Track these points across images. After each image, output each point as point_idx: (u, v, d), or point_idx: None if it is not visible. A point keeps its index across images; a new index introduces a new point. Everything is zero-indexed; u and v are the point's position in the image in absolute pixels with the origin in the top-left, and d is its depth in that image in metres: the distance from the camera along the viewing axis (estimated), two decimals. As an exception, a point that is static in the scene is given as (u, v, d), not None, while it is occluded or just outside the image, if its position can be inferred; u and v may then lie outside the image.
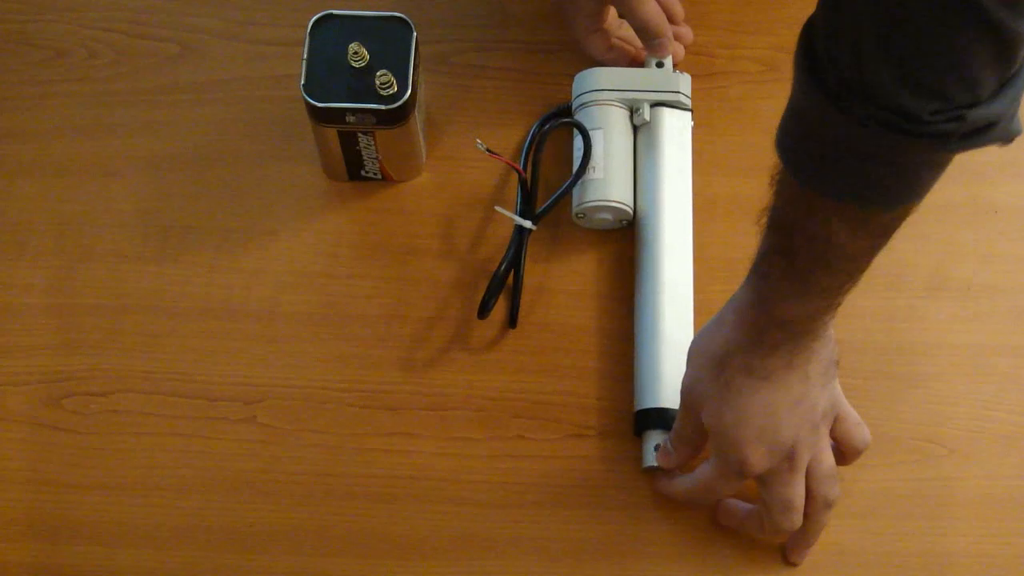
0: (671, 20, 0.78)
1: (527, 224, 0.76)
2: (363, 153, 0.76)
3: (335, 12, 0.74)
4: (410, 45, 0.73)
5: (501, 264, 0.75)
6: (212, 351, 0.76)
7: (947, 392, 0.74)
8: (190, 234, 0.79)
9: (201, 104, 0.82)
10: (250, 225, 0.79)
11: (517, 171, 0.76)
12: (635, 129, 0.78)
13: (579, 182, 0.76)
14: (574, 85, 0.79)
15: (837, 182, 0.58)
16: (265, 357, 0.76)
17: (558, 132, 0.79)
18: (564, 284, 0.77)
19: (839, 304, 0.64)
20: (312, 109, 0.72)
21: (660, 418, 0.72)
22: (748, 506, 0.70)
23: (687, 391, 0.68)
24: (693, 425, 0.68)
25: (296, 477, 0.74)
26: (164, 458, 0.74)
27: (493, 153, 0.76)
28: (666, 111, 0.77)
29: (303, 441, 0.74)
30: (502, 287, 0.75)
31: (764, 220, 0.62)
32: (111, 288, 0.78)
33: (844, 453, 0.70)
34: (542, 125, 0.80)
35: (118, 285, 0.78)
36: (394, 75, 0.72)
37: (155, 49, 0.83)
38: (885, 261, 0.73)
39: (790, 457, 0.67)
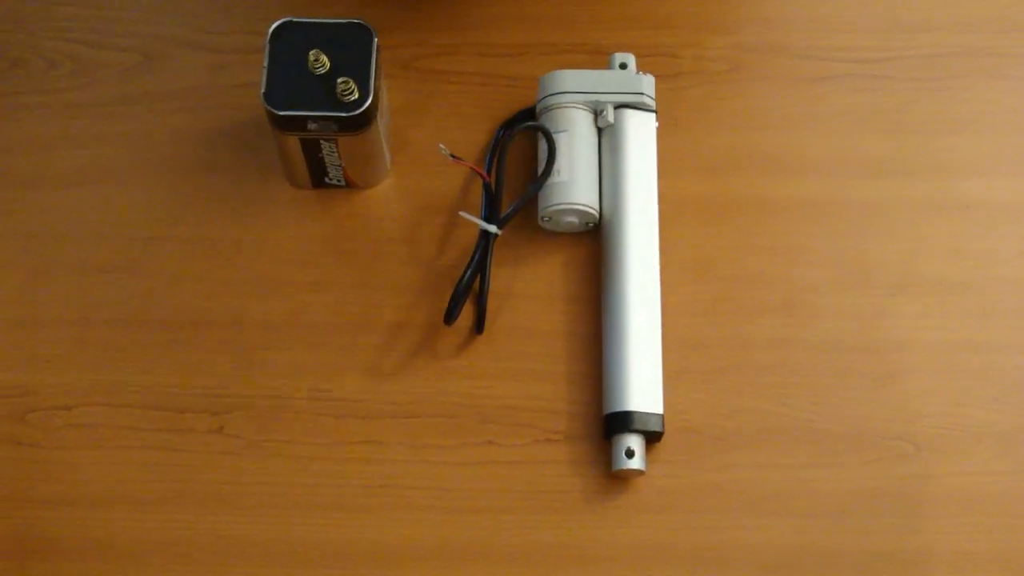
0: None
1: (492, 229, 0.75)
2: (326, 160, 0.76)
3: (295, 20, 0.73)
4: (371, 51, 0.73)
5: (467, 269, 0.75)
6: (178, 362, 0.76)
7: (917, 389, 0.74)
8: (154, 245, 0.78)
9: (164, 114, 0.81)
10: (215, 234, 0.78)
11: (481, 176, 0.76)
12: (600, 131, 0.78)
13: (544, 185, 0.76)
14: (538, 88, 0.78)
15: None
16: (232, 367, 0.76)
17: (523, 136, 0.79)
18: (531, 288, 0.77)
19: None
20: (273, 117, 0.72)
21: (629, 421, 0.72)
22: None
23: None
24: None
25: (265, 488, 0.73)
26: (131, 472, 0.74)
27: (457, 158, 0.76)
28: (630, 112, 0.77)
29: (272, 451, 0.74)
30: (468, 293, 0.75)
31: None
32: (75, 300, 0.77)
33: None
34: (506, 129, 0.79)
35: (82, 297, 0.77)
36: (356, 81, 0.72)
37: (116, 59, 0.82)
38: (852, 258, 0.77)
39: None
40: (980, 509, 0.72)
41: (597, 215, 0.76)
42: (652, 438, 0.73)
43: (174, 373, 0.76)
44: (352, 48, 0.73)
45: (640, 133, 0.77)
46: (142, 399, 0.75)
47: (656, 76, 0.79)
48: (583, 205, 0.75)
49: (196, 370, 0.76)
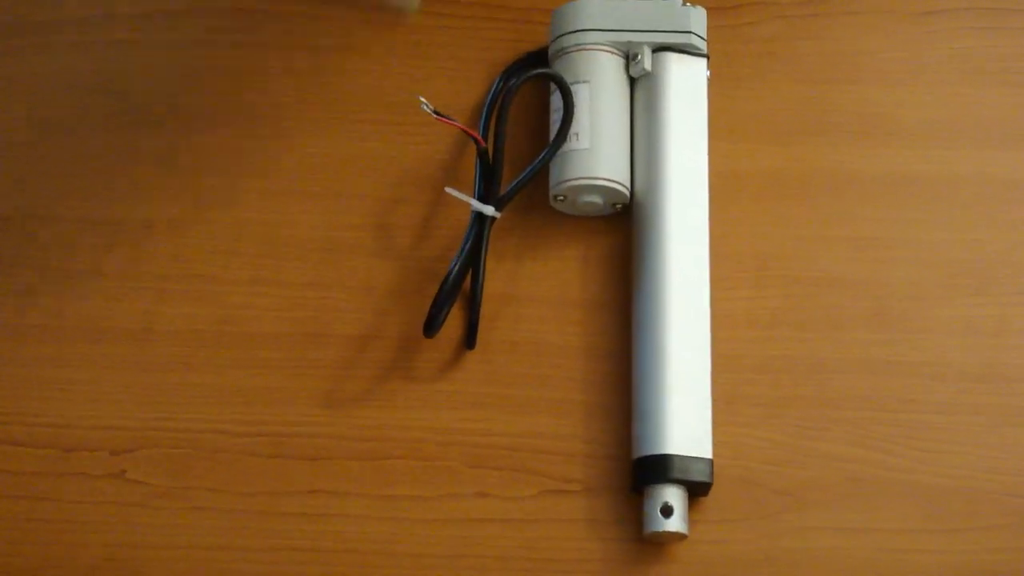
0: None
1: (488, 210, 0.70)
2: None
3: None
4: None
5: (454, 264, 0.70)
6: (66, 384, 0.70)
7: None
8: (31, 224, 0.73)
9: (45, 51, 0.76)
10: (113, 214, 0.73)
11: (475, 140, 0.71)
12: (632, 82, 0.73)
13: (558, 154, 0.71)
14: (551, 23, 0.73)
15: None
16: (137, 391, 0.70)
17: (530, 87, 0.74)
18: (539, 290, 0.72)
19: None
20: None
21: (667, 468, 0.66)
22: None
23: None
24: None
25: (181, 552, 0.67)
26: (2, 529, 0.67)
27: (443, 116, 0.70)
28: (673, 57, 0.72)
29: (190, 503, 0.68)
30: (456, 295, 0.70)
31: None
32: None
33: None
34: (508, 77, 0.75)
35: None
36: None
37: None
38: (967, 255, 0.71)
39: None
40: None
41: (627, 194, 0.71)
42: (697, 491, 0.67)
43: (60, 398, 0.70)
44: None
45: (686, 85, 0.72)
46: (16, 433, 0.69)
47: (709, 9, 0.74)
48: (608, 180, 0.70)
49: (90, 395, 0.70)
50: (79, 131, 0.76)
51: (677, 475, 0.67)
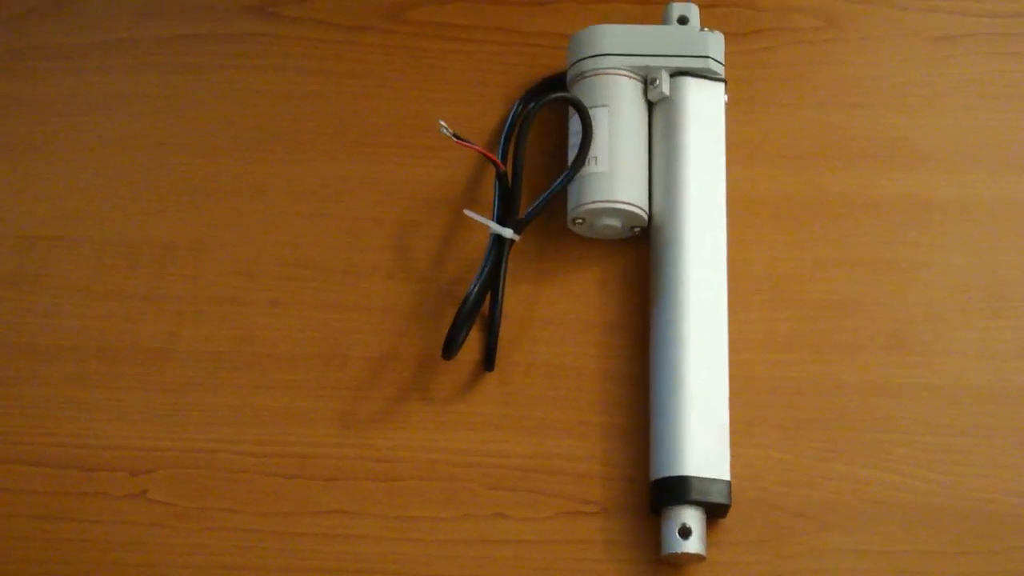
0: None
1: (507, 233, 0.71)
2: None
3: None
4: None
5: (473, 286, 0.70)
6: (87, 404, 0.71)
7: None
8: (56, 248, 0.74)
9: (72, 74, 0.77)
10: (136, 236, 0.74)
11: (494, 163, 0.72)
12: (650, 106, 0.73)
13: (576, 178, 0.71)
14: (569, 48, 0.74)
15: None
16: (158, 412, 0.71)
17: (549, 111, 0.75)
18: (557, 312, 0.72)
19: None
20: None
21: (685, 490, 0.66)
22: None
23: None
24: None
25: (200, 572, 0.67)
26: (26, 548, 0.68)
27: (462, 140, 0.70)
28: (691, 82, 0.72)
29: (209, 523, 0.68)
30: (475, 317, 0.70)
31: None
32: None
33: None
34: (527, 102, 0.75)
35: None
36: None
37: (12, 0, 0.79)
38: (986, 277, 0.71)
39: None
40: None
41: (645, 217, 0.71)
42: (715, 513, 0.67)
43: (82, 419, 0.70)
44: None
45: (704, 109, 0.72)
46: (39, 453, 0.70)
47: (726, 34, 0.74)
48: (627, 204, 0.71)
49: (112, 415, 0.70)
50: (102, 154, 0.76)
51: (695, 497, 0.67)
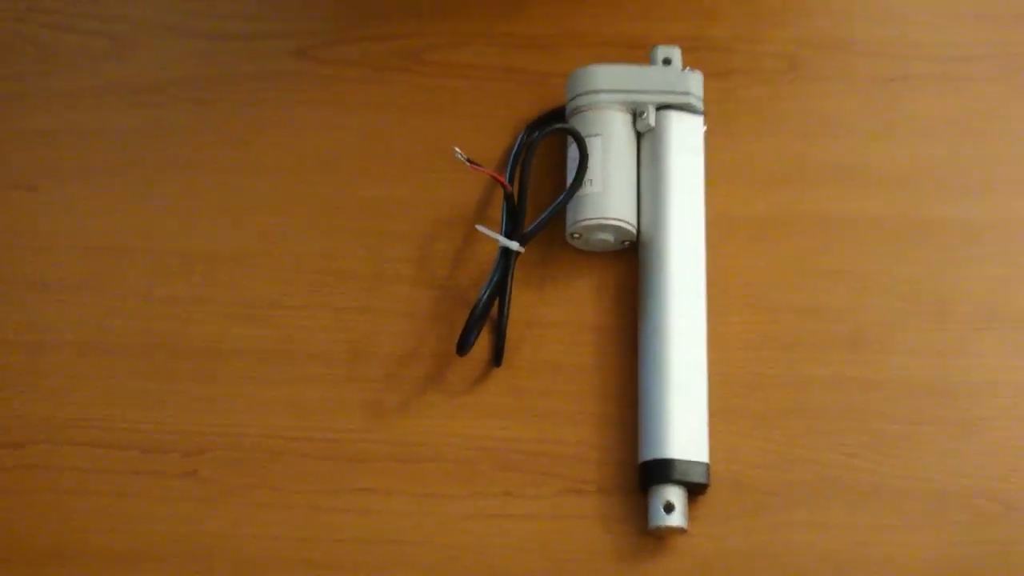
0: None
1: (514, 246, 0.73)
2: None
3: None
4: None
5: (484, 292, 0.73)
6: (146, 394, 0.73)
7: (1006, 440, 0.71)
8: (121, 257, 0.77)
9: (133, 107, 0.80)
10: (191, 247, 0.77)
11: (502, 185, 0.74)
12: (638, 136, 0.76)
13: (574, 197, 0.74)
14: (568, 85, 0.77)
15: None
16: (208, 401, 0.73)
17: (550, 140, 0.77)
18: (557, 315, 0.75)
19: None
20: None
21: (669, 471, 0.69)
22: None
23: None
24: None
25: (245, 542, 0.70)
26: (88, 521, 0.71)
27: (474, 164, 0.73)
28: (674, 114, 0.75)
29: (252, 499, 0.71)
30: (485, 319, 0.73)
31: None
32: (27, 321, 0.76)
33: None
34: (531, 132, 0.78)
35: (36, 317, 0.76)
36: None
37: (82, 44, 0.81)
38: (929, 287, 0.75)
39: None
40: (1080, 581, 0.69)
41: (634, 232, 0.74)
42: (695, 491, 0.70)
43: (141, 407, 0.73)
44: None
45: (686, 138, 0.75)
46: (103, 437, 0.73)
47: (704, 73, 0.77)
48: (618, 220, 0.73)
49: (167, 404, 0.73)
50: (161, 176, 0.78)
51: (678, 477, 0.69)
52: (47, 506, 0.71)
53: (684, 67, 0.77)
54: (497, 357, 0.74)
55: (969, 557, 0.69)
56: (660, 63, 0.77)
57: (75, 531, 0.71)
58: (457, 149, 0.74)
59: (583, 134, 0.74)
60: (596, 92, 0.76)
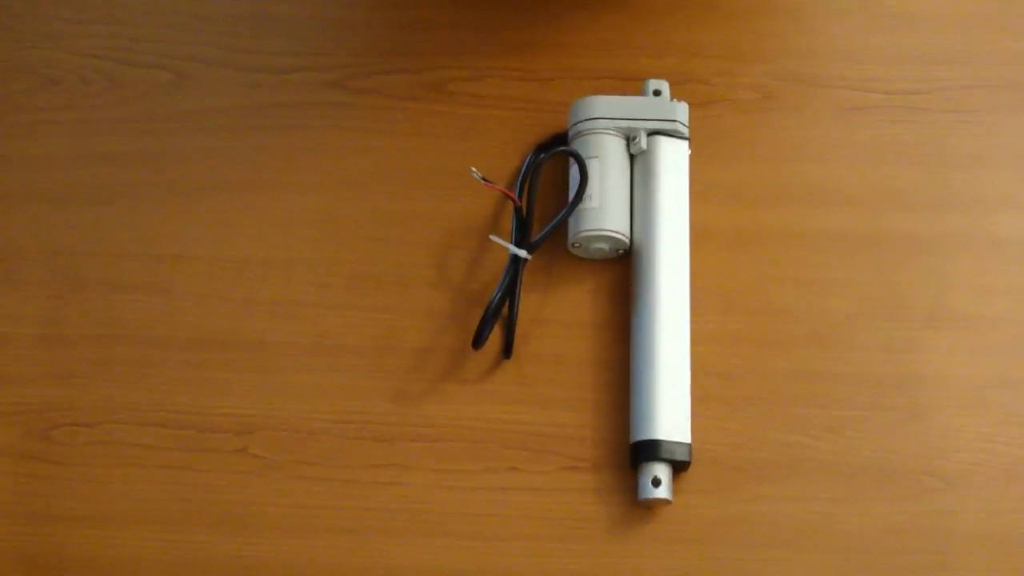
0: None
1: (522, 253, 0.76)
2: None
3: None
4: None
5: (496, 294, 0.75)
6: (202, 381, 0.76)
7: (947, 425, 0.74)
8: (181, 263, 0.79)
9: (194, 132, 0.82)
10: (241, 254, 0.79)
11: (512, 200, 0.76)
12: (632, 158, 0.78)
13: (575, 211, 0.76)
14: (570, 113, 0.79)
15: None
16: (256, 388, 0.76)
17: (554, 161, 0.79)
18: (559, 314, 0.77)
19: None
20: None
21: (656, 450, 0.72)
22: None
23: None
24: None
25: (287, 510, 0.73)
26: (153, 490, 0.74)
27: (488, 182, 0.76)
28: (663, 140, 0.77)
29: (294, 473, 0.74)
30: (497, 317, 0.75)
31: None
32: (101, 318, 0.78)
33: None
34: (538, 153, 0.80)
35: (108, 315, 0.78)
36: None
37: (148, 77, 0.83)
38: (883, 291, 0.77)
39: None
40: (1010, 549, 0.72)
41: (628, 242, 0.77)
42: (679, 468, 0.73)
43: (198, 392, 0.76)
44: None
45: (673, 160, 0.78)
46: (165, 418, 0.76)
47: (690, 104, 0.80)
48: (614, 232, 0.76)
49: (220, 390, 0.76)
50: (216, 193, 0.81)
51: (664, 455, 0.73)
52: (113, 477, 0.75)
53: (672, 98, 0.80)
54: (507, 350, 0.76)
55: (914, 525, 0.73)
56: (651, 94, 0.79)
57: (136, 499, 0.74)
58: (473, 169, 0.77)
59: (583, 156, 0.77)
60: (595, 119, 0.78)
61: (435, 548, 0.72)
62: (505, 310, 0.76)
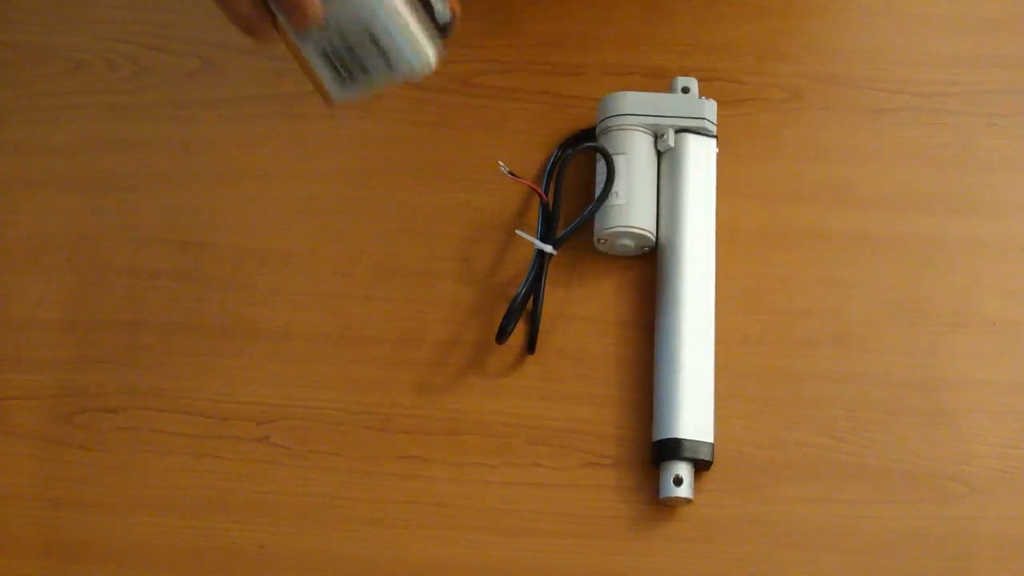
0: None
1: (548, 249, 0.76)
2: None
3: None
4: None
5: (521, 289, 0.75)
6: (226, 370, 0.77)
7: (970, 429, 0.74)
8: (206, 251, 0.79)
9: (220, 120, 0.82)
10: (266, 244, 0.79)
11: (539, 195, 0.77)
12: (659, 155, 0.78)
13: (601, 207, 0.76)
14: (598, 109, 0.79)
15: None
16: (279, 377, 0.76)
17: (581, 156, 0.79)
18: (584, 310, 0.77)
19: None
20: None
21: (679, 449, 0.72)
22: None
23: None
24: None
25: (308, 499, 0.74)
26: (176, 477, 0.74)
27: (515, 176, 0.76)
28: (691, 137, 0.78)
29: (316, 463, 0.74)
30: (521, 312, 0.75)
31: None
32: (127, 304, 0.78)
33: None
34: (565, 149, 0.80)
35: (134, 301, 0.78)
36: None
37: (175, 63, 0.83)
38: (907, 294, 0.77)
39: None
40: (1032, 554, 0.73)
41: (653, 239, 0.77)
42: (701, 467, 0.73)
43: (222, 381, 0.76)
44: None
45: (700, 158, 0.78)
46: (189, 405, 0.76)
47: (718, 102, 0.79)
48: (640, 228, 0.76)
49: (244, 378, 0.76)
50: (241, 181, 0.80)
51: (687, 454, 0.73)
52: (136, 463, 0.75)
53: (700, 96, 0.80)
54: (531, 345, 0.77)
55: (936, 530, 0.73)
56: (679, 91, 0.79)
57: (158, 486, 0.74)
58: (501, 163, 0.77)
59: (610, 152, 0.77)
60: (623, 116, 0.78)
61: (455, 541, 0.72)
62: (529, 305, 0.76)
